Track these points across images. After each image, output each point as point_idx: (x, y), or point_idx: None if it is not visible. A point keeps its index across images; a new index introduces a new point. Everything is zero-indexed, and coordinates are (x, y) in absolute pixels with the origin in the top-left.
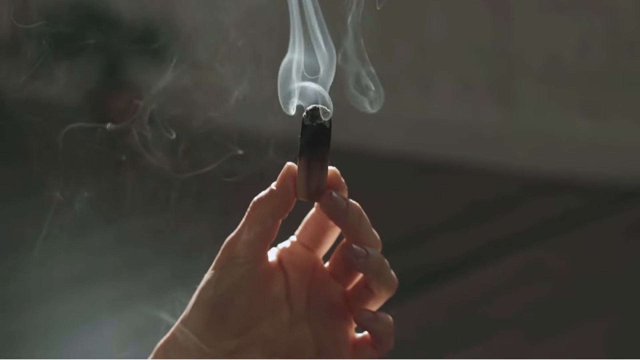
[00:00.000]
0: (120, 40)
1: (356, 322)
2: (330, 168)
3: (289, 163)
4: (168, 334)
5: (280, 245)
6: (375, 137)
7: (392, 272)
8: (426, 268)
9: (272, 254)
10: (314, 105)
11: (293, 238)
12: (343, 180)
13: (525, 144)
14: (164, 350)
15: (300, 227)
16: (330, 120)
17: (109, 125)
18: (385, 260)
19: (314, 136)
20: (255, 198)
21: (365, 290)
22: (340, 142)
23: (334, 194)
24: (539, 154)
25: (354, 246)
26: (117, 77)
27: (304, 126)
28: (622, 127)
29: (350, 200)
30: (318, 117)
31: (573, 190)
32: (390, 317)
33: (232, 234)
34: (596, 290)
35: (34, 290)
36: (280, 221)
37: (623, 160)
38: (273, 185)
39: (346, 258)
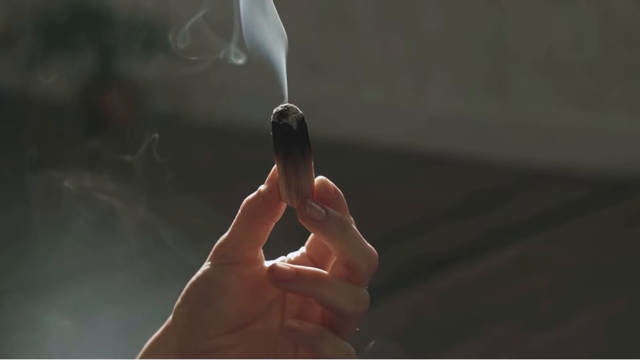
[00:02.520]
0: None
1: None
2: (319, 178)
3: None
4: (159, 330)
5: (290, 255)
6: (372, 130)
7: (354, 298)
8: (423, 259)
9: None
10: (285, 105)
11: (303, 249)
12: (335, 189)
13: (522, 136)
14: (153, 347)
15: (309, 239)
16: (301, 122)
17: None
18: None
19: (281, 136)
20: (245, 199)
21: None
22: (338, 135)
23: (312, 203)
24: (536, 145)
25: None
26: (111, 72)
27: (271, 124)
28: (618, 118)
29: (334, 212)
30: (286, 116)
31: (570, 182)
32: (314, 327)
33: (224, 234)
34: (595, 281)
35: None
36: (272, 224)
37: (620, 151)
38: (261, 187)
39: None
